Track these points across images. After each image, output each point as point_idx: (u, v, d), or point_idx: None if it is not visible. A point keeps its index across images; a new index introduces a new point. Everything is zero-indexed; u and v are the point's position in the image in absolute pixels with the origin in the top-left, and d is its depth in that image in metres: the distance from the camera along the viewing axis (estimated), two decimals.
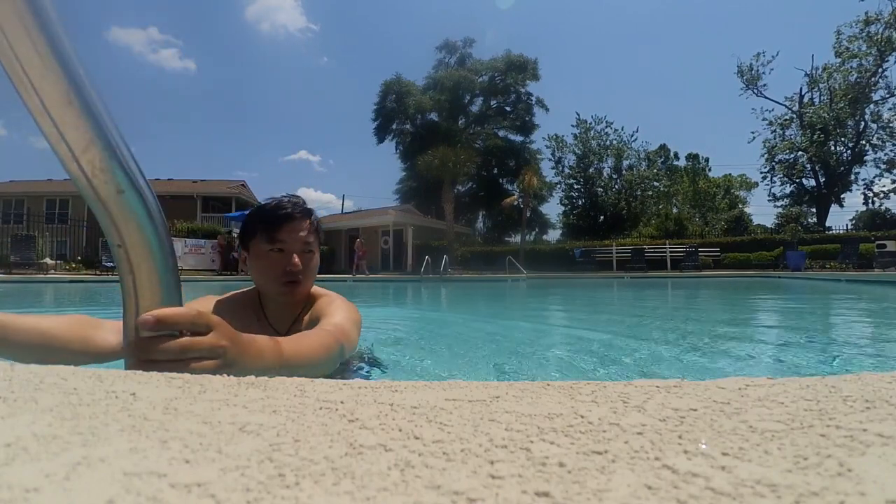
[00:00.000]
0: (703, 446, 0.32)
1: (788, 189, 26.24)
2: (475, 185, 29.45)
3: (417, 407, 0.42)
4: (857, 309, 4.11)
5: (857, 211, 27.75)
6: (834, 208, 24.70)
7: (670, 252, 16.65)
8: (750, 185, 33.21)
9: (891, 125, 22.35)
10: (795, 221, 17.52)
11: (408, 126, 29.65)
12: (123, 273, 0.63)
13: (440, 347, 1.95)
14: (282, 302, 1.23)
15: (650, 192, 28.03)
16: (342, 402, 0.43)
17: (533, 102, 29.60)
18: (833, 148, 23.86)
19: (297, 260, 1.17)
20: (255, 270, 1.20)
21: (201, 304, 1.22)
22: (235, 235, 15.79)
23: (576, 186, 29.18)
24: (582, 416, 0.39)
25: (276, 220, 1.17)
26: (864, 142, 23.36)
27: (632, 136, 28.58)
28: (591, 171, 28.59)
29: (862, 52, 22.15)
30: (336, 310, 1.20)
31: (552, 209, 31.78)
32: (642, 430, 0.35)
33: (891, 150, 22.76)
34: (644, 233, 25.32)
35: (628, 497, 0.25)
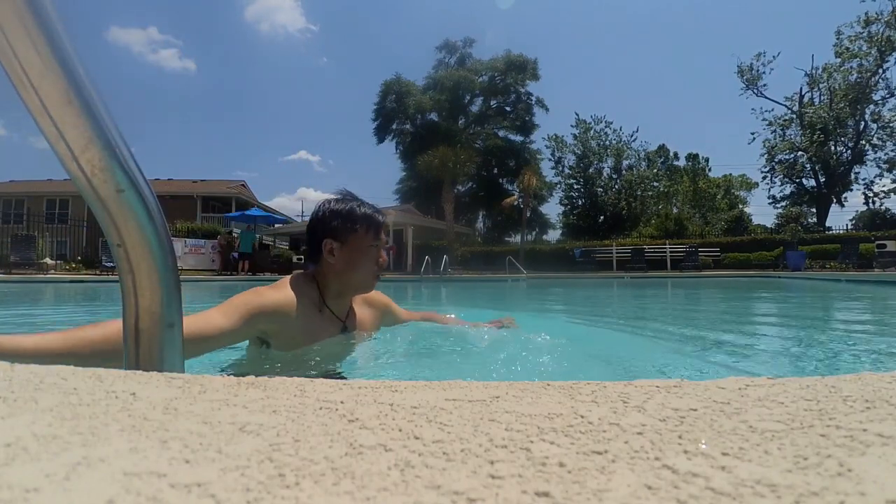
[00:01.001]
0: (703, 446, 0.32)
1: (788, 189, 26.26)
2: (475, 185, 29.43)
3: (417, 407, 0.42)
4: (857, 309, 4.11)
5: (857, 211, 27.75)
6: (834, 208, 24.73)
7: (670, 252, 16.63)
8: (750, 185, 33.20)
9: (891, 125, 22.31)
10: (795, 221, 17.49)
11: (408, 126, 29.63)
12: (123, 273, 0.63)
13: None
14: (349, 294, 1.38)
15: (650, 192, 28.03)
16: (342, 402, 0.43)
17: (533, 102, 29.60)
18: (833, 148, 23.85)
19: (385, 255, 1.38)
20: (350, 262, 1.30)
21: (263, 295, 1.16)
22: (236, 235, 15.79)
23: (576, 186, 29.16)
24: (582, 416, 0.39)
25: (380, 221, 1.36)
26: (864, 142, 23.34)
27: (632, 136, 28.60)
28: (590, 171, 28.59)
29: (862, 52, 22.12)
30: (399, 308, 1.64)
31: (552, 209, 31.77)
32: (642, 430, 0.35)
33: (891, 150, 22.75)
34: (644, 233, 25.30)
35: (628, 497, 0.25)
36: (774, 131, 25.35)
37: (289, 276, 1.30)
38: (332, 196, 1.37)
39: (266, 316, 1.14)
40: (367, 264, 1.32)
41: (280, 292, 1.21)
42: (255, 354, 1.22)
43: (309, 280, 1.31)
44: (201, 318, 1.02)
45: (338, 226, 1.29)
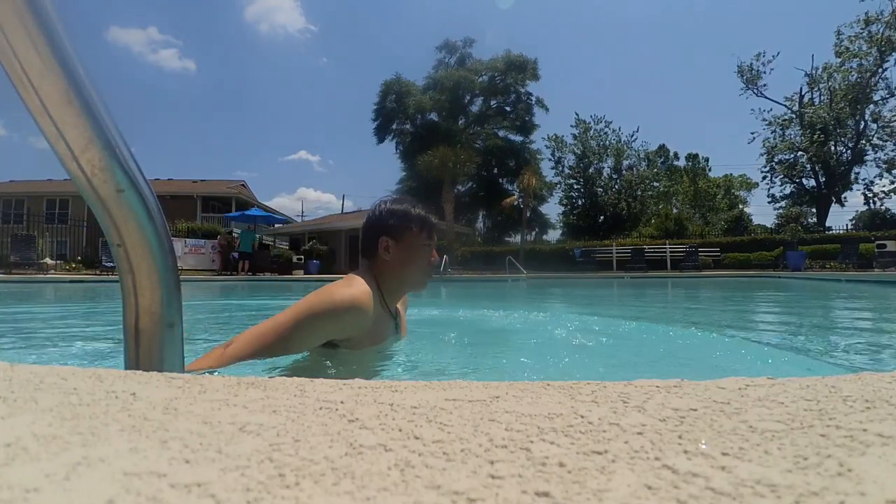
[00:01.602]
0: (703, 446, 0.32)
1: (788, 189, 26.26)
2: (475, 185, 29.40)
3: (417, 407, 0.42)
4: (857, 309, 4.11)
5: (857, 211, 27.70)
6: (834, 208, 24.72)
7: (670, 252, 16.62)
8: (750, 185, 33.19)
9: (891, 125, 22.32)
10: (795, 221, 17.48)
11: (408, 126, 29.62)
12: (123, 272, 0.63)
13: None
14: (404, 291, 1.43)
15: (650, 192, 28.03)
16: (342, 402, 0.43)
17: (533, 102, 29.57)
18: (833, 148, 23.86)
19: (437, 255, 1.43)
20: (405, 259, 1.35)
21: (340, 293, 1.15)
22: (236, 235, 15.80)
23: (576, 186, 29.16)
24: (582, 416, 0.39)
25: (433, 223, 1.43)
26: (864, 142, 23.35)
27: (632, 136, 28.61)
28: (590, 171, 28.60)
29: (862, 52, 22.13)
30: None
31: (552, 209, 31.71)
32: (642, 430, 0.35)
33: (891, 150, 22.76)
34: (644, 233, 25.29)
35: (628, 497, 0.25)
36: (774, 131, 25.36)
37: (353, 274, 1.30)
38: (389, 197, 1.43)
39: (343, 315, 1.12)
40: (420, 262, 1.37)
41: (358, 288, 1.20)
42: (330, 357, 1.19)
43: (369, 277, 1.32)
44: (269, 332, 1.03)
45: (394, 224, 1.35)
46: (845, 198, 24.43)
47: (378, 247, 1.33)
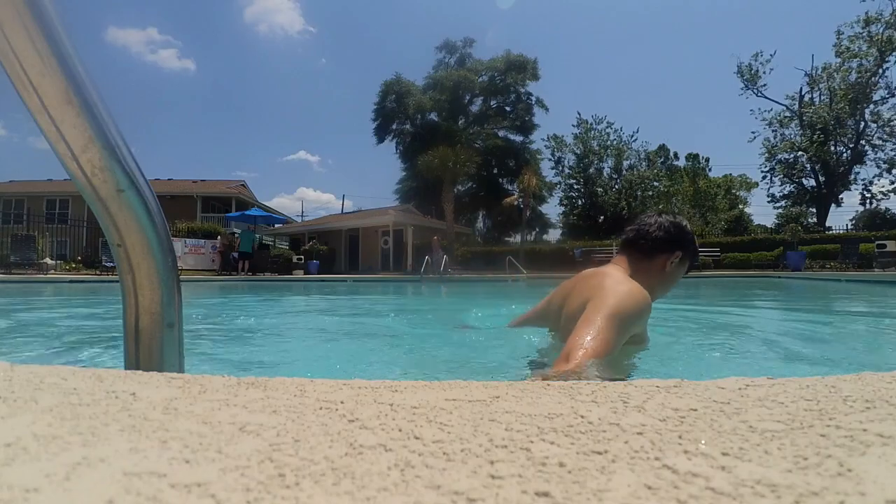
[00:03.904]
0: (703, 446, 0.32)
1: (788, 189, 26.29)
2: (475, 185, 29.42)
3: (417, 407, 0.42)
4: (856, 309, 4.11)
5: (856, 211, 27.72)
6: (834, 208, 24.76)
7: None
8: (750, 185, 33.19)
9: (891, 125, 22.35)
10: (795, 221, 17.50)
11: (408, 126, 29.64)
12: (123, 272, 0.63)
13: None
14: None
15: (650, 193, 28.06)
16: (342, 402, 0.43)
17: (533, 102, 29.60)
18: (833, 148, 23.88)
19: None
20: (671, 279, 1.43)
21: (641, 293, 1.20)
22: (237, 236, 15.81)
23: (576, 186, 29.21)
24: (582, 416, 0.39)
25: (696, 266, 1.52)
26: (863, 142, 23.38)
27: (632, 136, 28.64)
28: (591, 171, 28.63)
29: (862, 52, 22.16)
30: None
31: (552, 209, 31.76)
32: (642, 430, 0.35)
33: (891, 150, 22.80)
34: None
35: (628, 497, 0.25)
36: (774, 130, 25.39)
37: (620, 270, 1.34)
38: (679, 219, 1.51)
39: (645, 312, 1.20)
40: (670, 288, 1.47)
41: (641, 287, 1.24)
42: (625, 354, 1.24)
43: (624, 274, 1.34)
44: (610, 340, 1.03)
45: (691, 249, 1.45)
46: (842, 198, 24.48)
47: (669, 255, 1.39)
